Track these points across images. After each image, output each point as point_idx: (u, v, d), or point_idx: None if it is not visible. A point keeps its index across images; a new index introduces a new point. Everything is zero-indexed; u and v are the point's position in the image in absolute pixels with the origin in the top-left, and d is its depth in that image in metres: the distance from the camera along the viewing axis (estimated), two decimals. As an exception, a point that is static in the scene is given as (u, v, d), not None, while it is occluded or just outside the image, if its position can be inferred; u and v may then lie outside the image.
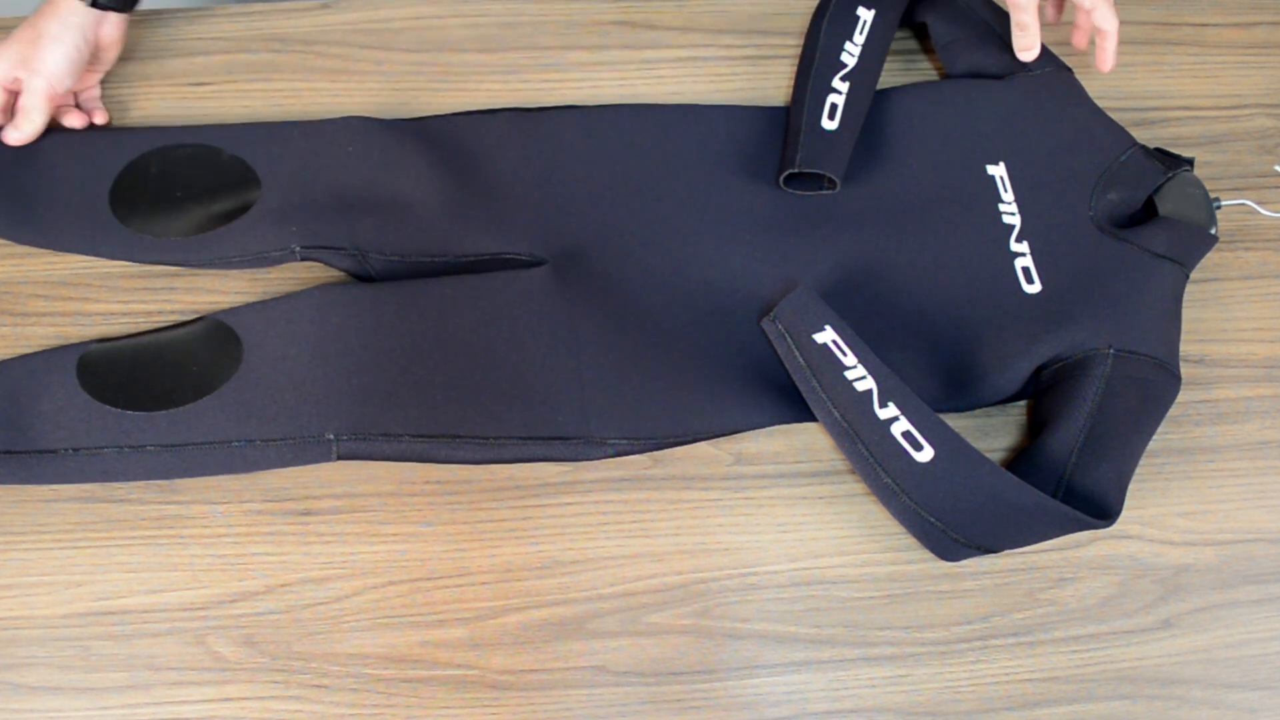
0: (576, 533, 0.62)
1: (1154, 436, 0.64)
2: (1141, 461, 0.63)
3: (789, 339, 0.62)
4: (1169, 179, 0.67)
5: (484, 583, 0.61)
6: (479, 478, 0.62)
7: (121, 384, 0.60)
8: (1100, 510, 0.61)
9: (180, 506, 0.61)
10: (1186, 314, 0.67)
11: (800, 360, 0.62)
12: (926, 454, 0.59)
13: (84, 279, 0.65)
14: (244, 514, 0.61)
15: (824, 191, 0.68)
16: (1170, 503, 0.65)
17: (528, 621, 0.60)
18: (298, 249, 0.64)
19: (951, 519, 0.60)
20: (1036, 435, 0.63)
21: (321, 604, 0.60)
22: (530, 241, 0.65)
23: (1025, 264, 0.66)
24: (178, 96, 0.69)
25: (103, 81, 0.69)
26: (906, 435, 0.59)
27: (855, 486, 0.64)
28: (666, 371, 0.63)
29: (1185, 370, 0.65)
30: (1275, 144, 0.74)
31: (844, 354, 0.61)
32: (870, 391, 0.60)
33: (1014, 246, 0.67)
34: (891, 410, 0.60)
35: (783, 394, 0.63)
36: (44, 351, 0.62)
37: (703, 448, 0.64)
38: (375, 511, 0.62)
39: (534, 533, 0.62)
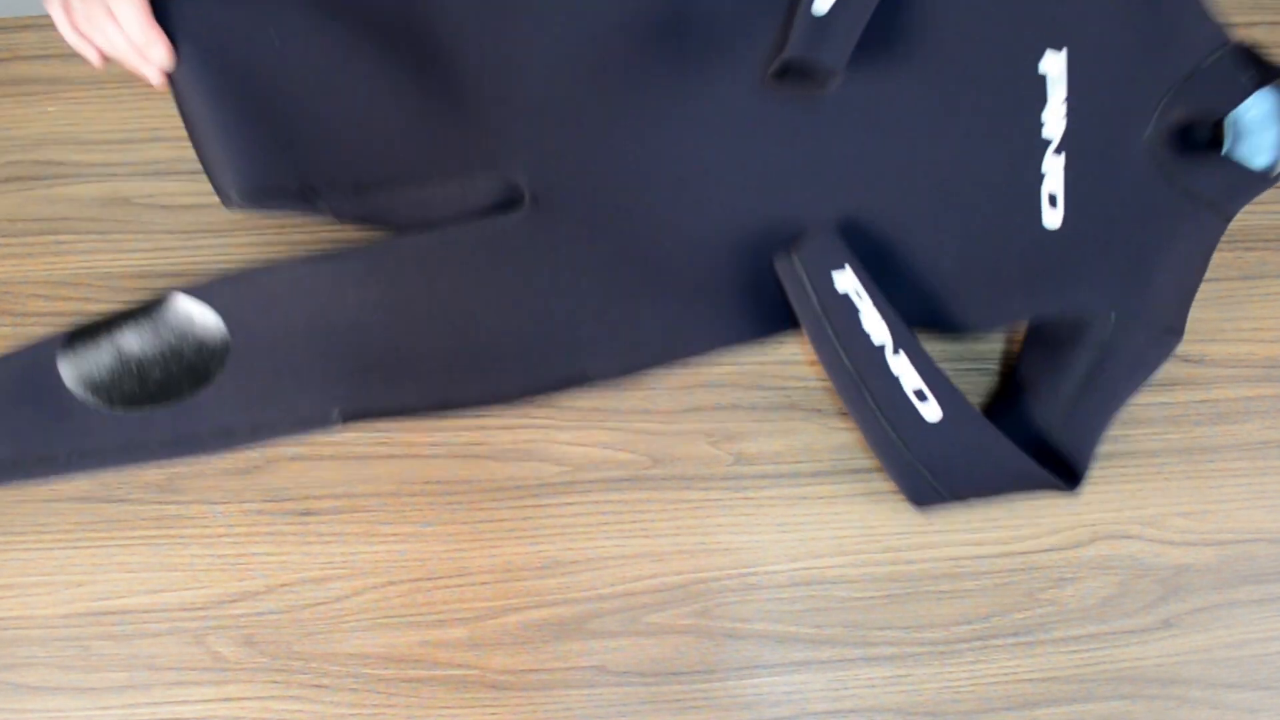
0: (576, 533, 0.62)
1: (1154, 437, 0.64)
2: (1141, 461, 0.63)
3: (807, 283, 0.58)
4: (1251, 96, 0.57)
5: (484, 583, 0.61)
6: (479, 477, 0.62)
7: (114, 382, 0.60)
8: (1072, 472, 0.60)
9: (180, 506, 0.61)
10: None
11: (816, 306, 0.59)
12: (934, 413, 0.58)
13: (84, 279, 0.65)
14: (244, 514, 0.61)
15: (824, 86, 0.57)
16: (1170, 503, 0.65)
17: (528, 621, 0.60)
18: (235, 196, 0.59)
19: (942, 473, 0.60)
20: (1021, 378, 0.63)
21: (321, 604, 0.60)
22: (498, 156, 0.59)
23: (1053, 189, 0.59)
24: (178, 96, 0.70)
25: (103, 84, 0.70)
26: (917, 393, 0.58)
27: (855, 486, 0.64)
28: (654, 296, 0.60)
29: (1185, 370, 0.66)
30: (1275, 144, 0.74)
31: (860, 300, 0.58)
32: (884, 346, 0.58)
33: (1046, 164, 0.59)
34: (904, 363, 0.58)
35: (772, 307, 0.61)
36: (20, 354, 0.61)
37: (703, 447, 0.64)
38: (375, 511, 0.62)
39: (534, 533, 0.62)
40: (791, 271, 0.58)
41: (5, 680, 0.58)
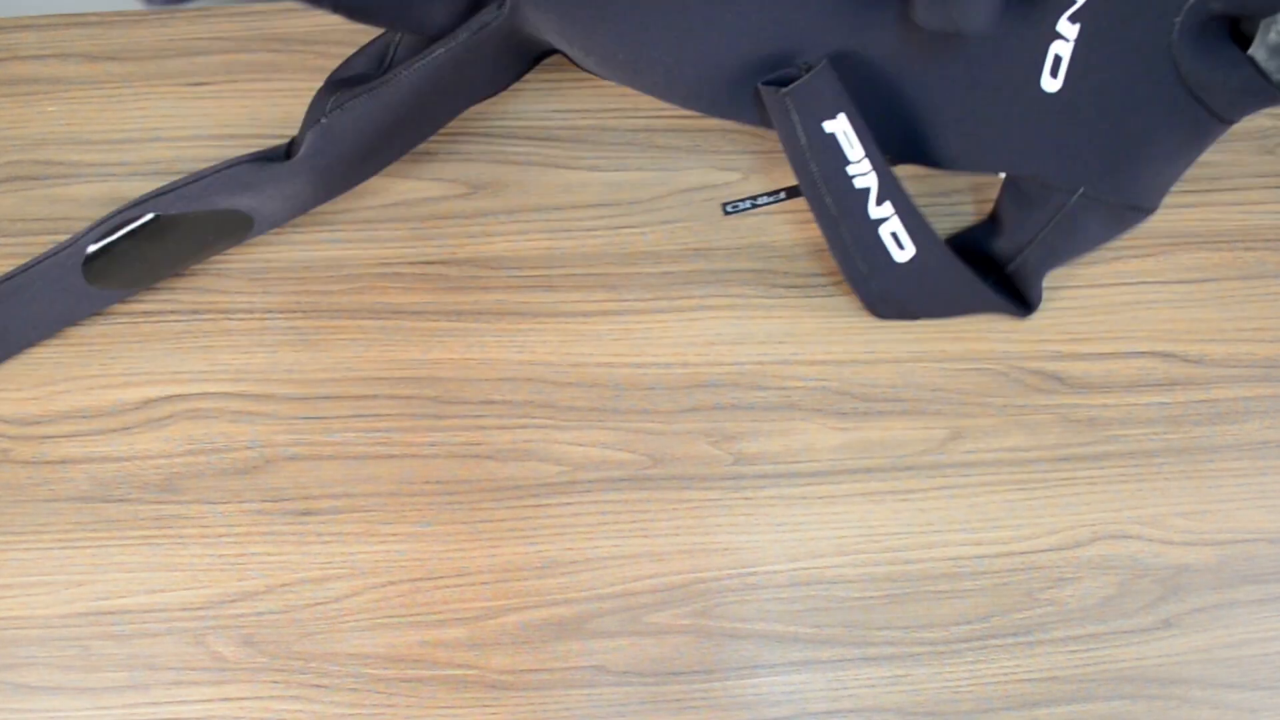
0: (576, 533, 0.62)
1: (1154, 437, 0.64)
2: (1141, 461, 0.63)
3: (798, 123, 0.58)
4: None
5: (484, 583, 0.61)
6: (479, 477, 0.62)
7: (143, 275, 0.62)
8: (1026, 300, 0.64)
9: (180, 506, 0.61)
10: (1186, 314, 0.67)
11: (803, 143, 0.58)
12: (907, 254, 0.60)
13: (84, 279, 0.65)
14: (243, 514, 0.61)
15: None
16: (1170, 503, 0.65)
17: (527, 621, 0.60)
18: None
19: (905, 300, 0.63)
20: (995, 211, 0.64)
21: (321, 604, 0.60)
22: None
23: (1060, 52, 0.56)
24: (178, 96, 0.70)
25: (103, 84, 0.70)
26: (893, 235, 0.60)
27: (855, 486, 0.64)
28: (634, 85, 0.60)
29: (1185, 370, 0.66)
30: (1275, 144, 0.74)
31: (851, 147, 0.58)
32: (869, 190, 0.59)
33: (1061, 25, 0.56)
34: (886, 209, 0.59)
35: (750, 108, 0.59)
36: (43, 268, 0.61)
37: (703, 447, 0.64)
38: (375, 511, 0.62)
39: (534, 533, 0.62)
40: (781, 107, 0.57)
41: (5, 680, 0.58)
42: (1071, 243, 0.62)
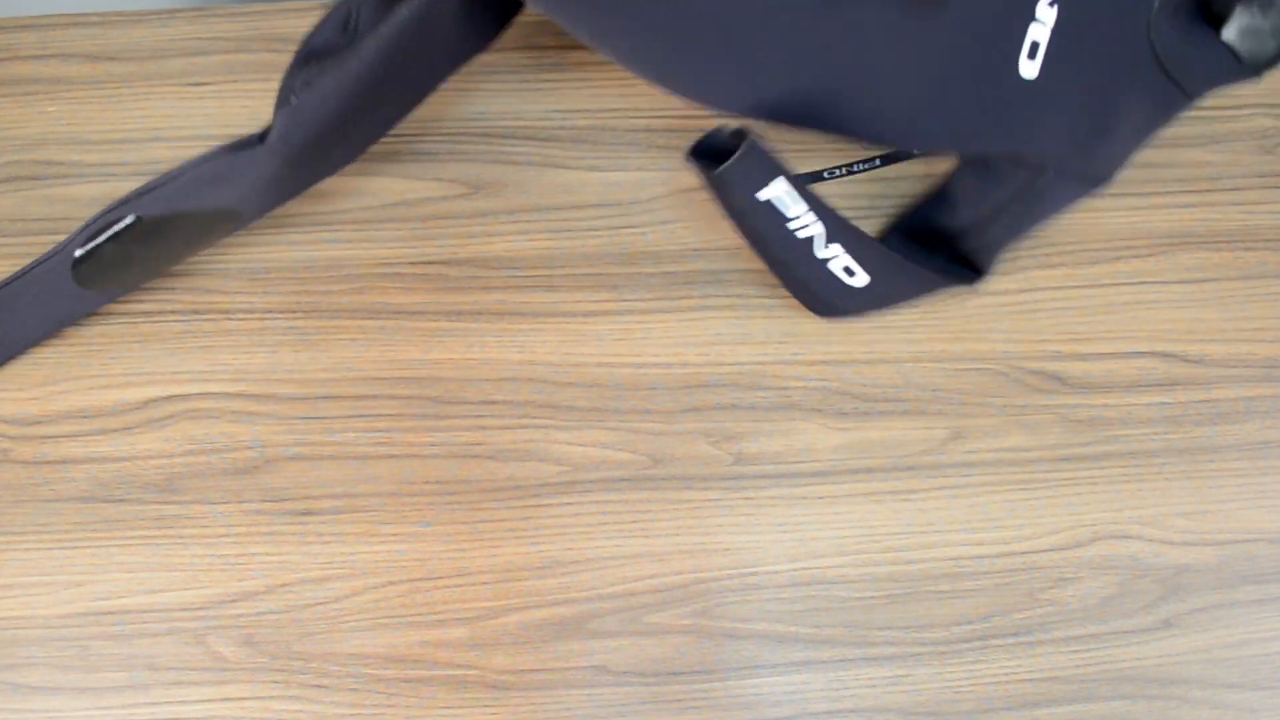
0: (576, 533, 0.62)
1: (1154, 437, 0.64)
2: (1141, 461, 0.63)
3: (732, 196, 0.57)
4: None
5: (484, 583, 0.61)
6: (479, 477, 0.62)
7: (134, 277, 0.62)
8: (976, 270, 0.64)
9: (180, 506, 0.61)
10: (1186, 314, 0.67)
11: (741, 208, 0.57)
12: (861, 280, 0.61)
13: (84, 279, 0.65)
14: (243, 514, 0.61)
15: None
16: (1170, 503, 0.65)
17: (528, 621, 0.60)
18: None
19: (862, 309, 0.64)
20: (948, 189, 0.64)
21: (321, 604, 0.60)
22: None
23: (1038, 38, 0.56)
24: (178, 97, 0.70)
25: (103, 84, 0.69)
26: (845, 268, 0.60)
27: (855, 486, 0.64)
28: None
29: (1185, 370, 0.66)
30: (1275, 144, 0.74)
31: (790, 204, 0.57)
32: (813, 237, 0.59)
33: (1039, 10, 0.55)
34: (834, 249, 0.59)
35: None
36: (35, 275, 0.60)
37: (703, 447, 0.64)
38: (375, 511, 0.62)
39: (534, 533, 0.62)
40: (715, 180, 0.56)
41: (5, 680, 0.58)
42: (1036, 217, 0.62)
